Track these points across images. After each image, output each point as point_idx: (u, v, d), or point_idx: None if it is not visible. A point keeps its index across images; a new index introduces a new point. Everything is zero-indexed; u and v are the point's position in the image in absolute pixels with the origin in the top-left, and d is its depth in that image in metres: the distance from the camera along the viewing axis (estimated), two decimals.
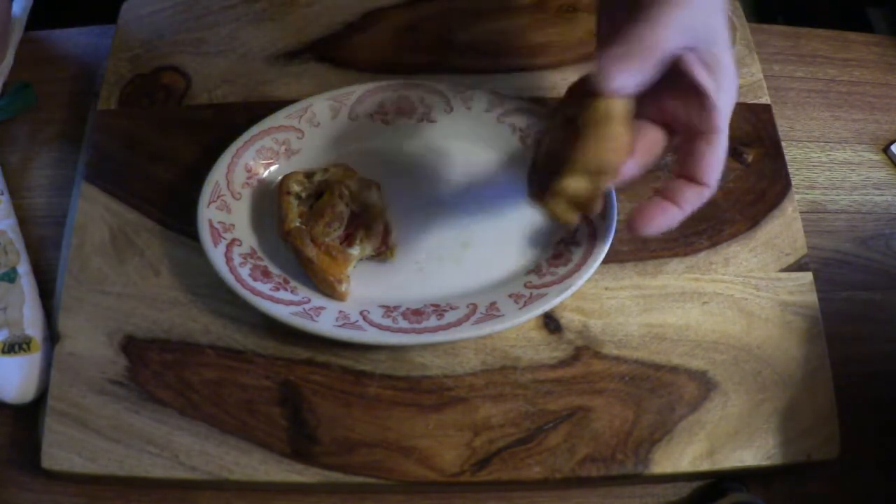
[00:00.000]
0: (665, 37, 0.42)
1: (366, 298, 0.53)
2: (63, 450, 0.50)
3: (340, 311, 0.52)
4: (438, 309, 0.52)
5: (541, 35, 0.65)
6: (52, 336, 0.54)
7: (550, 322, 0.54)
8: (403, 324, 0.51)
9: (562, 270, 0.53)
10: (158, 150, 0.59)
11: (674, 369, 0.53)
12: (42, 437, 0.50)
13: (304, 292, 0.53)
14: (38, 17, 0.66)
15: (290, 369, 0.52)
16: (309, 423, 0.51)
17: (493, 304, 0.52)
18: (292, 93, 0.61)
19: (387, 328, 0.51)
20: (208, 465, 0.50)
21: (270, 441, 0.50)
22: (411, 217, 0.56)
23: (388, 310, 0.52)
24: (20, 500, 0.51)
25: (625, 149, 0.44)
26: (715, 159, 0.45)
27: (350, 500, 0.52)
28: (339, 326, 0.51)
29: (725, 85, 0.44)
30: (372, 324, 0.51)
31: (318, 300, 0.53)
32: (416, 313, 0.52)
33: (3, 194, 0.59)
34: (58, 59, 0.67)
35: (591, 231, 0.54)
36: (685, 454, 0.51)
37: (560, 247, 0.55)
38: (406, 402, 0.52)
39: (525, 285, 0.53)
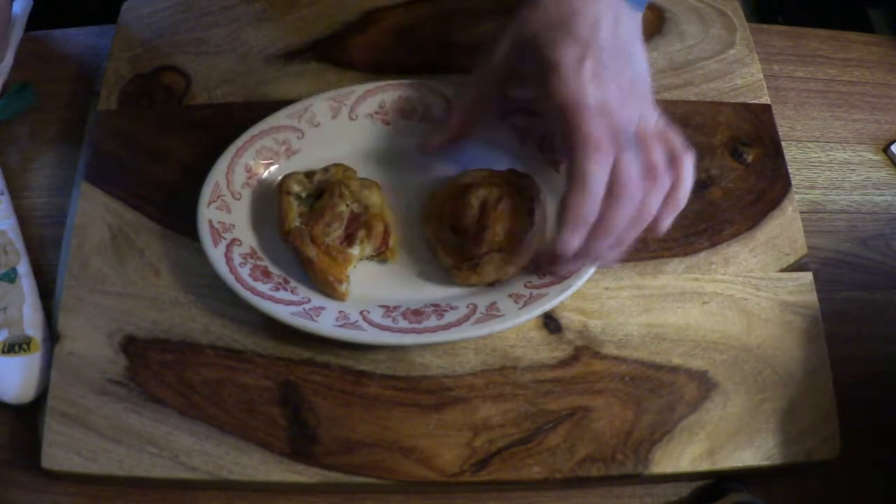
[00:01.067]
0: None
1: (366, 298, 0.53)
2: (63, 450, 0.50)
3: (340, 311, 0.52)
4: (438, 309, 0.52)
5: None
6: (52, 336, 0.54)
7: (550, 322, 0.54)
8: (403, 324, 0.51)
9: None
10: (158, 150, 0.59)
11: (674, 369, 0.53)
12: (42, 437, 0.50)
13: (304, 292, 0.53)
14: (38, 17, 0.66)
15: (290, 369, 0.52)
16: (309, 423, 0.51)
17: (493, 304, 0.52)
18: (292, 93, 0.61)
19: (387, 328, 0.51)
20: (208, 465, 0.50)
21: (270, 441, 0.50)
22: (411, 217, 0.56)
23: (388, 310, 0.52)
24: (20, 500, 0.51)
25: None
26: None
27: (350, 500, 0.52)
28: (339, 326, 0.51)
29: None
30: (372, 324, 0.51)
31: (318, 300, 0.53)
32: (416, 313, 0.52)
33: (3, 194, 0.59)
34: (58, 59, 0.67)
35: None
36: (685, 454, 0.51)
37: None
38: (406, 402, 0.52)
39: (525, 285, 0.53)
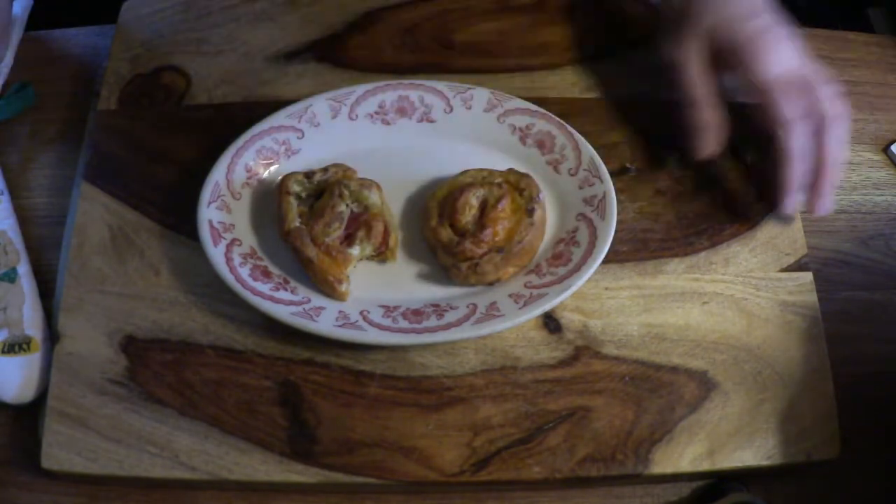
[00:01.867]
0: None
1: (366, 298, 0.53)
2: (63, 450, 0.50)
3: (340, 311, 0.52)
4: (438, 309, 0.52)
5: (541, 35, 0.65)
6: (52, 336, 0.54)
7: (550, 322, 0.54)
8: (403, 324, 0.51)
9: (562, 270, 0.53)
10: (158, 150, 0.59)
11: (674, 369, 0.53)
12: (42, 437, 0.50)
13: (304, 292, 0.53)
14: (38, 17, 0.66)
15: (290, 369, 0.52)
16: (309, 423, 0.51)
17: (493, 304, 0.52)
18: (292, 93, 0.61)
19: (387, 328, 0.51)
20: (208, 465, 0.50)
21: (270, 441, 0.50)
22: (411, 217, 0.56)
23: (388, 310, 0.52)
24: (20, 500, 0.51)
25: None
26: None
27: (350, 500, 0.52)
28: (339, 326, 0.51)
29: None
30: (372, 324, 0.51)
31: (318, 300, 0.53)
32: (416, 313, 0.52)
33: (3, 194, 0.59)
34: (58, 59, 0.67)
35: (591, 231, 0.54)
36: (685, 454, 0.51)
37: (560, 247, 0.55)
38: (406, 402, 0.52)
39: (525, 285, 0.53)
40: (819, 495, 0.53)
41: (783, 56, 0.54)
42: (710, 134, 0.56)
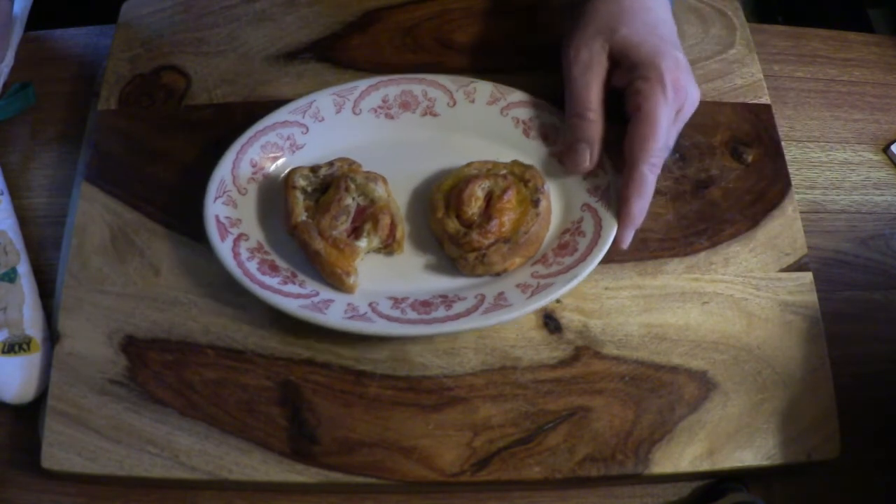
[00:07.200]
0: None
1: (374, 290, 0.53)
2: (63, 450, 0.50)
3: (349, 304, 0.52)
4: (447, 300, 0.52)
5: (541, 35, 0.65)
6: (52, 336, 0.54)
7: (550, 322, 0.54)
8: (412, 315, 0.51)
9: (568, 260, 0.53)
10: (158, 150, 0.59)
11: (674, 369, 0.53)
12: (42, 437, 0.50)
13: (312, 286, 0.53)
14: (38, 17, 0.66)
15: (290, 369, 0.52)
16: (309, 423, 0.51)
17: (500, 294, 0.52)
18: (292, 93, 0.61)
19: (396, 319, 0.51)
20: (208, 465, 0.50)
21: (270, 441, 0.50)
22: (417, 209, 0.56)
23: (397, 301, 0.52)
24: (20, 500, 0.51)
25: None
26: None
27: (350, 500, 0.52)
28: (348, 318, 0.51)
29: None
30: (381, 315, 0.51)
31: (326, 293, 0.53)
32: (425, 304, 0.52)
33: (3, 194, 0.59)
34: (58, 59, 0.67)
35: (596, 221, 0.54)
36: (685, 454, 0.51)
37: (566, 237, 0.55)
38: (406, 402, 0.52)
39: (532, 275, 0.53)
40: (819, 495, 0.53)
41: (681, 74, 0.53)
42: (593, 149, 0.54)
